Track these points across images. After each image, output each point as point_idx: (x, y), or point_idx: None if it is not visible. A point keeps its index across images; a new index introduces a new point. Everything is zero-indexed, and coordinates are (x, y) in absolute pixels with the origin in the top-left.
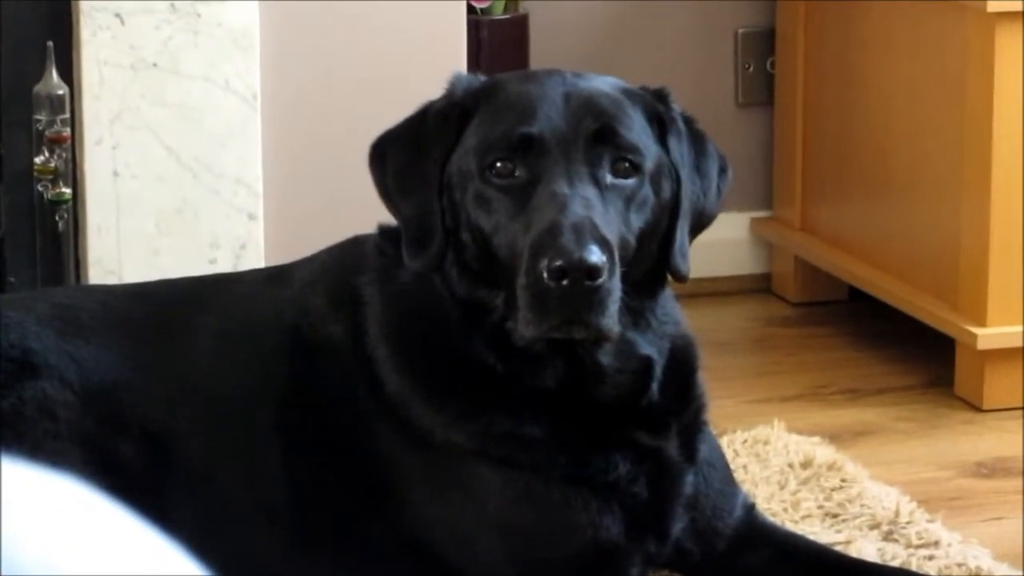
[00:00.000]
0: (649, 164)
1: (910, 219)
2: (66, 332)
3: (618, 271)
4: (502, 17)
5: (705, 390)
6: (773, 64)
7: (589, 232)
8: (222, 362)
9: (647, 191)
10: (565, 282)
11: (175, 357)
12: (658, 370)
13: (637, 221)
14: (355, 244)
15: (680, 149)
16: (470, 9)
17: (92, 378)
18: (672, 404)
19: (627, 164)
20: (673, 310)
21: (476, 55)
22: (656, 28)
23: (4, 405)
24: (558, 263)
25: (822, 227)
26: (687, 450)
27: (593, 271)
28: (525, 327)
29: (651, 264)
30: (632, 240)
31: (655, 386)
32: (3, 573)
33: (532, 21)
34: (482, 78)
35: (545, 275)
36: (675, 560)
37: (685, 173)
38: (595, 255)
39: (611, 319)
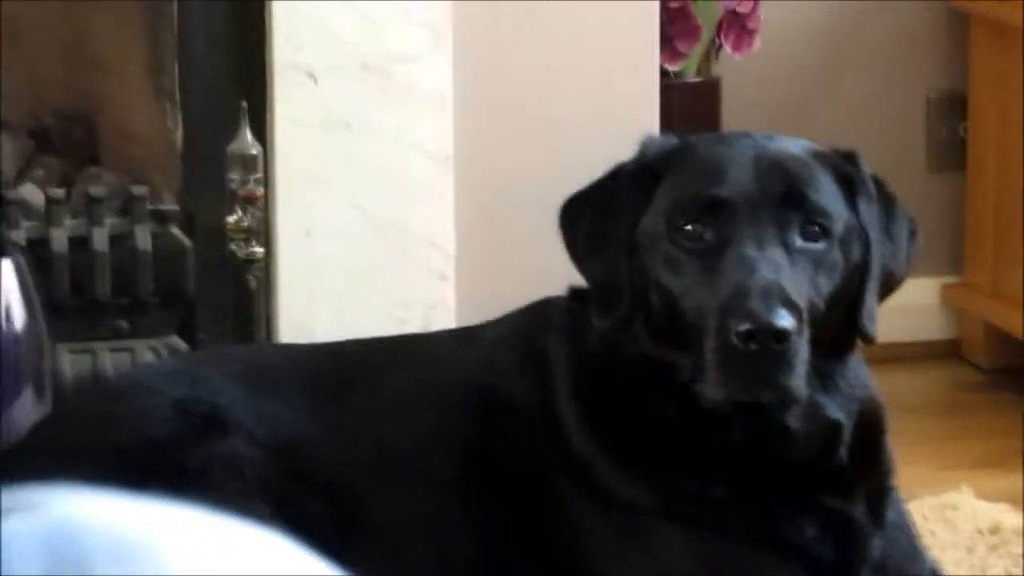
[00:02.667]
0: (839, 228)
1: None
2: (256, 389)
3: (806, 334)
4: (694, 80)
5: (893, 454)
6: (965, 129)
7: (778, 295)
8: (408, 420)
9: (836, 255)
10: (754, 345)
11: (362, 414)
12: (847, 434)
13: (826, 285)
14: (545, 305)
15: (870, 212)
16: (663, 72)
17: (281, 435)
18: (860, 467)
19: (816, 228)
20: (862, 373)
21: (668, 117)
22: (847, 92)
23: (192, 462)
24: (747, 326)
25: (1013, 293)
26: (874, 514)
27: (781, 334)
28: (713, 389)
29: (840, 327)
30: (821, 304)
31: (843, 449)
32: None
33: (724, 84)
34: (673, 140)
35: (734, 338)
36: None
37: (875, 236)
38: (784, 319)
39: (799, 382)
